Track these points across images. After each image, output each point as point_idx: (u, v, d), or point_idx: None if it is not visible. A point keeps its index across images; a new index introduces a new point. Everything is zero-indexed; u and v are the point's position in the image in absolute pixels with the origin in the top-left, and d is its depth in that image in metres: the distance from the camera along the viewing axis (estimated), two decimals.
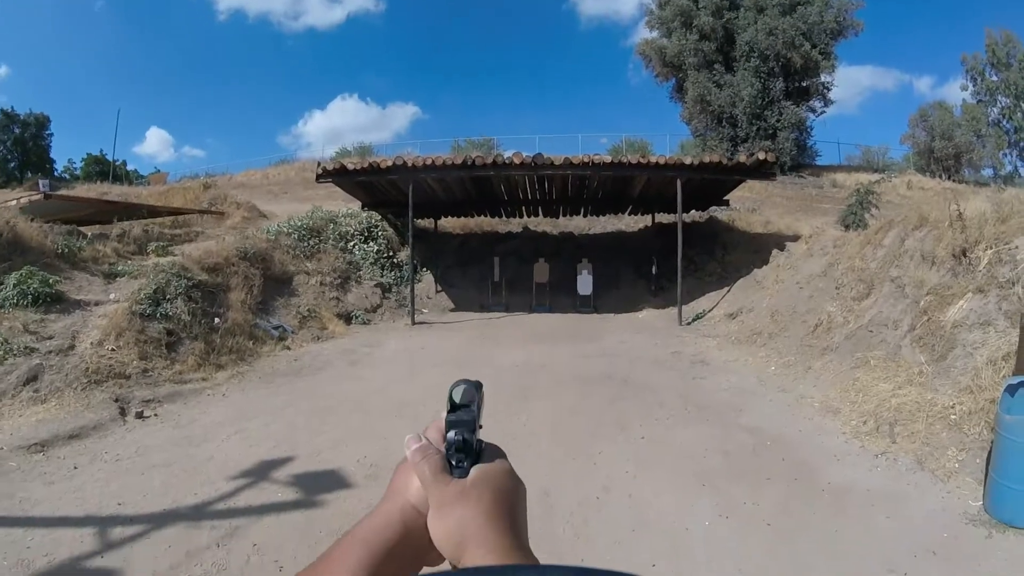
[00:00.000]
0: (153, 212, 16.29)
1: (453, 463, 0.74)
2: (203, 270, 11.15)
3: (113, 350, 8.18)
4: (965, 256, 7.64)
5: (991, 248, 7.34)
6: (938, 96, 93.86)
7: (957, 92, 53.81)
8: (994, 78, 39.25)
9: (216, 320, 10.30)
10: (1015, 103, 38.92)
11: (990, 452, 4.75)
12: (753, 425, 6.83)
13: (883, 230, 10.23)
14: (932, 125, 37.42)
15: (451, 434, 0.75)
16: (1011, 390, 4.44)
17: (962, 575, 3.84)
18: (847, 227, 14.99)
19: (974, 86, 40.14)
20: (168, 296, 9.75)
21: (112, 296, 9.42)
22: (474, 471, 0.73)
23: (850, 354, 8.28)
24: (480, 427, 0.78)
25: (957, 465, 5.25)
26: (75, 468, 5.46)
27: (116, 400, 7.25)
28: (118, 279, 10.17)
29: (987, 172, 37.99)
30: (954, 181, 30.27)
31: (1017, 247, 7.09)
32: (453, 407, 0.78)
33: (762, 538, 4.43)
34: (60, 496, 4.87)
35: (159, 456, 5.85)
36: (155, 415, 7.14)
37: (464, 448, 0.74)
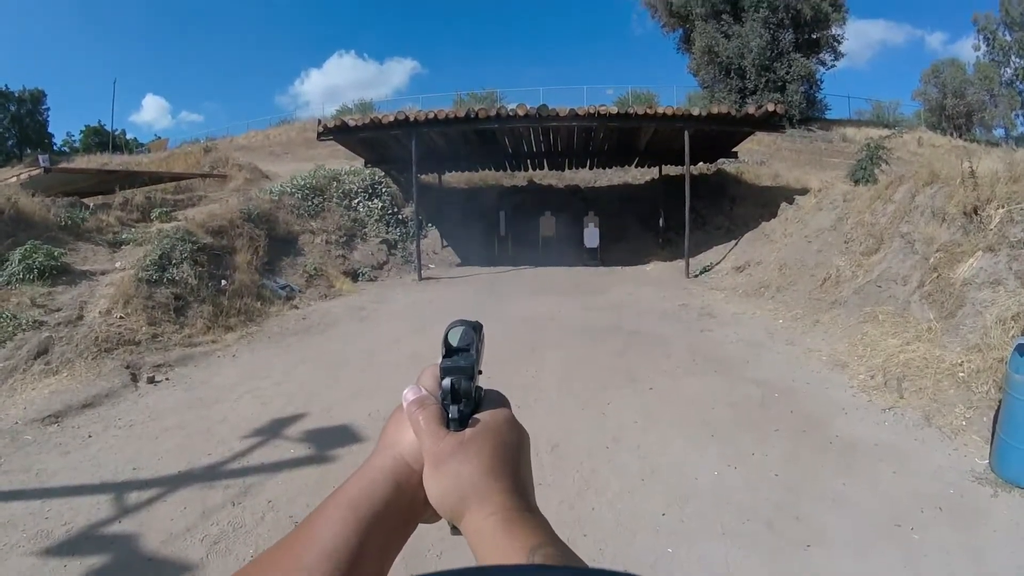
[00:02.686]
0: (155, 179, 16.17)
1: (450, 414, 0.68)
2: (208, 233, 11.11)
3: (122, 317, 8.20)
4: (976, 214, 7.59)
5: (1003, 207, 7.29)
6: (950, 53, 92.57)
7: (969, 50, 52.69)
8: (1007, 37, 38.39)
9: (223, 282, 10.31)
10: None
11: (998, 411, 4.78)
12: (761, 377, 6.87)
13: (893, 185, 10.15)
14: (944, 82, 36.76)
15: (446, 381, 0.68)
16: (1021, 350, 4.45)
17: (968, 532, 3.88)
18: (857, 182, 14.85)
19: (987, 46, 39.34)
20: (174, 261, 9.75)
21: (118, 264, 9.39)
22: (474, 421, 0.68)
23: (858, 308, 8.29)
24: (480, 373, 0.72)
25: (964, 423, 5.29)
26: (89, 436, 5.51)
27: (127, 367, 7.28)
28: (123, 247, 10.14)
29: (999, 132, 37.46)
30: (965, 140, 29.77)
31: None
32: (449, 351, 0.72)
33: (770, 489, 4.49)
34: (76, 465, 4.92)
35: (172, 419, 5.91)
36: (167, 379, 7.18)
37: (461, 396, 0.68)
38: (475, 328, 0.73)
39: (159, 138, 47.05)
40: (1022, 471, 4.33)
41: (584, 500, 4.36)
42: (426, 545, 3.61)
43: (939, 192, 8.56)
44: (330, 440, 5.41)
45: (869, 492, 4.38)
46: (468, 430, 0.66)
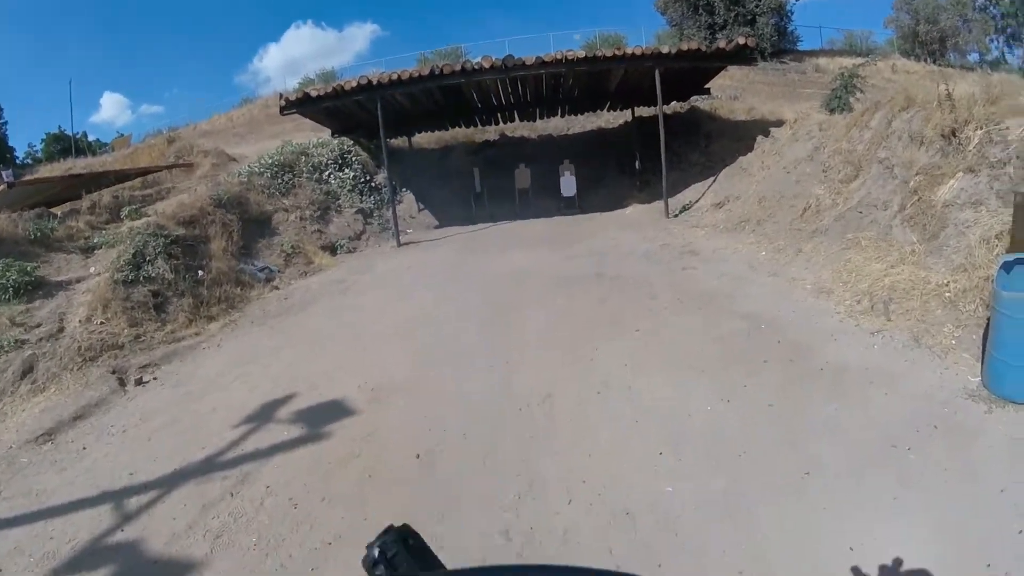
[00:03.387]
0: (121, 177, 15.73)
1: None
2: (179, 225, 10.82)
3: (102, 323, 8.04)
4: (955, 136, 7.52)
5: (981, 128, 7.22)
6: None
7: None
8: None
9: (200, 273, 10.09)
10: None
11: (987, 328, 4.78)
12: (746, 311, 6.86)
13: (869, 112, 10.06)
14: (917, 8, 36.49)
15: None
16: (1007, 267, 4.44)
17: (964, 449, 3.89)
18: (832, 111, 14.74)
19: None
20: (148, 258, 9.49)
21: (92, 270, 9.16)
22: None
23: (840, 236, 8.25)
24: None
25: (954, 342, 5.28)
26: (84, 449, 5.43)
27: (113, 372, 7.17)
28: (96, 251, 9.87)
29: (973, 57, 37.36)
30: (939, 65, 29.67)
31: (1008, 128, 6.98)
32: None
33: (764, 419, 4.50)
34: (73, 480, 4.84)
35: (163, 418, 5.85)
36: (154, 378, 7.08)
37: None
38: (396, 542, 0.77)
39: (121, 135, 45.51)
40: (1015, 387, 4.32)
41: (580, 447, 4.34)
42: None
43: (916, 116, 8.48)
44: (322, 417, 5.39)
45: (862, 416, 4.39)
46: None
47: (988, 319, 4.72)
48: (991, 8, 38.36)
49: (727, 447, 4.16)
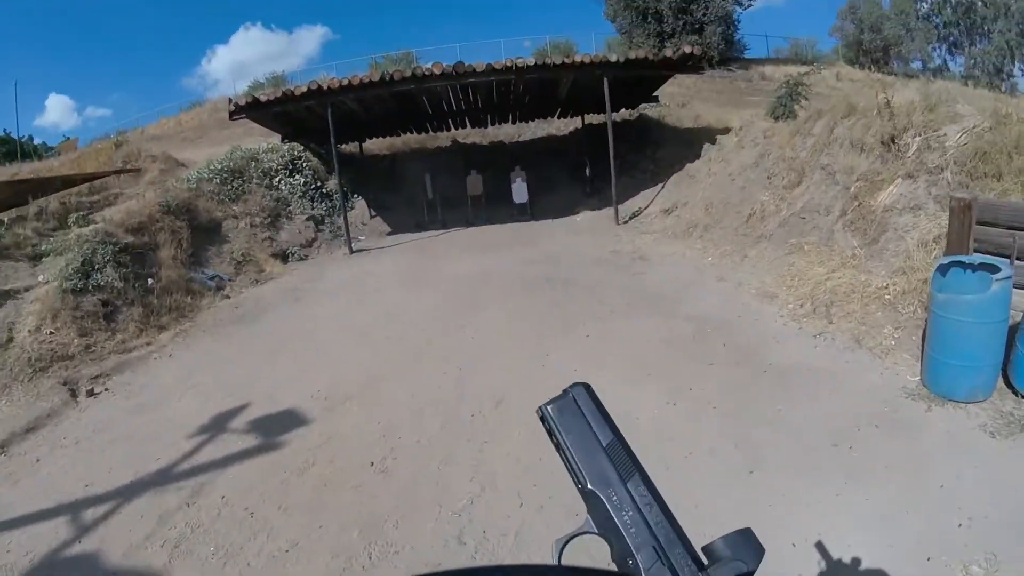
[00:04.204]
0: (68, 182, 15.20)
1: None
2: (128, 232, 10.51)
3: (52, 333, 7.81)
4: (894, 143, 7.75)
5: (920, 135, 7.47)
6: None
7: None
8: None
9: (150, 281, 9.82)
10: None
11: (925, 329, 4.92)
12: (694, 314, 6.97)
13: (812, 119, 10.30)
14: (861, 18, 37.65)
15: None
16: (942, 270, 4.57)
17: (905, 445, 4.01)
18: (777, 118, 14.99)
19: None
20: (97, 266, 9.20)
21: (41, 278, 8.85)
22: None
23: (784, 241, 8.43)
24: None
25: (893, 342, 5.45)
26: (38, 461, 5.28)
27: (64, 383, 6.97)
28: (44, 259, 9.52)
29: (916, 65, 38.57)
30: (883, 73, 30.50)
31: (946, 134, 7.23)
32: None
33: (709, 420, 4.58)
34: (29, 492, 4.71)
35: (117, 430, 5.71)
36: (106, 389, 6.89)
37: None
38: None
39: (67, 138, 44.29)
40: (953, 385, 4.49)
41: (531, 451, 4.35)
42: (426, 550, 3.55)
43: (857, 124, 8.72)
44: (276, 427, 5.32)
45: (806, 415, 4.49)
46: None
47: (926, 320, 4.86)
48: (934, 17, 39.61)
49: (674, 448, 4.21)
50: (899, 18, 37.36)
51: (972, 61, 39.55)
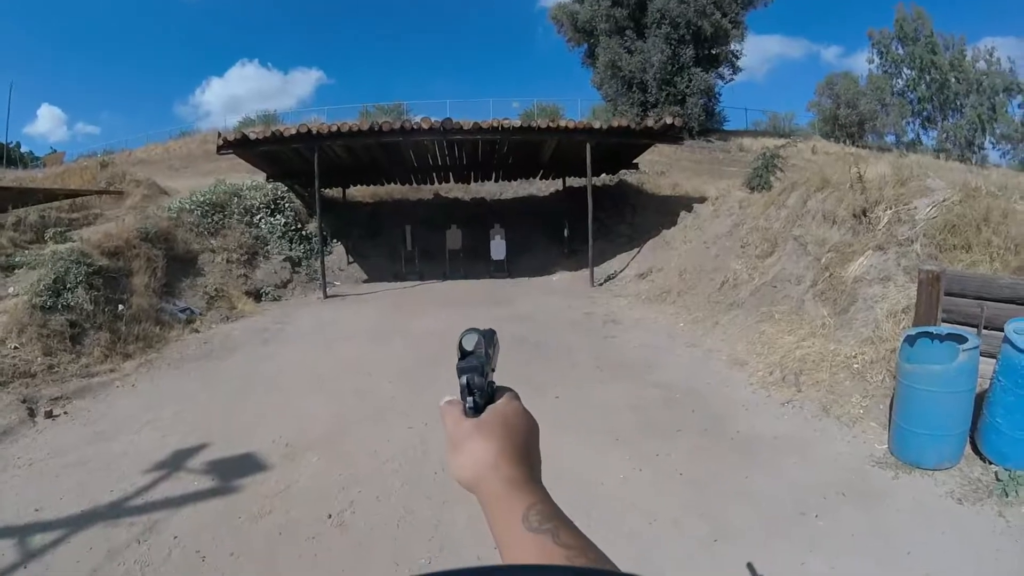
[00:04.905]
0: (50, 196, 15.13)
1: (466, 404, 0.80)
2: (103, 255, 10.38)
3: (16, 348, 7.64)
4: (865, 216, 7.89)
5: (891, 208, 7.61)
6: (845, 66, 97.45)
7: (863, 63, 56.34)
8: (900, 51, 41.24)
9: (120, 307, 9.66)
10: (919, 75, 41.01)
11: (893, 398, 4.92)
12: (664, 380, 6.91)
13: (786, 191, 10.47)
14: (838, 93, 38.84)
15: (462, 379, 0.82)
16: (910, 340, 4.61)
17: (872, 513, 3.96)
18: (752, 189, 15.25)
19: (880, 59, 42.12)
20: (68, 285, 9.06)
21: (11, 290, 8.73)
22: (487, 410, 0.80)
23: (756, 309, 8.47)
24: (492, 371, 0.85)
25: (861, 411, 5.44)
26: None
27: (24, 401, 6.76)
28: (16, 271, 9.44)
29: (890, 139, 39.84)
30: (858, 146, 31.24)
31: (916, 208, 7.37)
32: (463, 354, 0.85)
33: (675, 488, 4.48)
34: None
35: (72, 456, 5.52)
36: (65, 413, 6.69)
37: (475, 389, 0.81)
38: (485, 334, 0.87)
39: (55, 151, 44.15)
40: (920, 453, 4.49)
41: None
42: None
43: (830, 196, 8.87)
44: (233, 470, 5.14)
45: (772, 483, 4.42)
46: (482, 417, 0.79)
47: (894, 389, 4.86)
48: (908, 93, 41.00)
49: (638, 515, 4.10)
50: (875, 94, 38.67)
51: (944, 135, 41.14)
